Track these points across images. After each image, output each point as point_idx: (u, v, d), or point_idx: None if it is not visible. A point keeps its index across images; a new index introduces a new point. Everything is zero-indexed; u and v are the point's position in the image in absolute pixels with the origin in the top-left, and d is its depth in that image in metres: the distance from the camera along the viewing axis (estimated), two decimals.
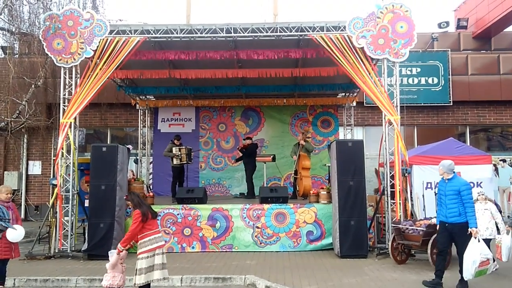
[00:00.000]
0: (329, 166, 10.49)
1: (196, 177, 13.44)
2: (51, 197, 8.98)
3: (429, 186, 9.37)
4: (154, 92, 13.08)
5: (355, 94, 12.61)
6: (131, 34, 8.74)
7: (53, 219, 8.60)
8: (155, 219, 5.55)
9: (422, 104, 14.16)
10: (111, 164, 8.45)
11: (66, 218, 8.58)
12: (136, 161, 13.15)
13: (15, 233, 5.66)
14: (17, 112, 11.97)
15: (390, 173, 8.50)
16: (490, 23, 13.87)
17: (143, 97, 13.45)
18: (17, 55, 12.94)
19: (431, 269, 6.43)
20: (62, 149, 8.62)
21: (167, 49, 9.47)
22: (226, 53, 9.29)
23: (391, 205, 8.48)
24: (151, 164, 13.81)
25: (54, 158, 11.44)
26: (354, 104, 13.06)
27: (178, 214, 9.02)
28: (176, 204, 9.32)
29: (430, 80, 14.19)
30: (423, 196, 9.32)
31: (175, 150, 10.86)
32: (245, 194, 11.66)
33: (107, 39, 8.68)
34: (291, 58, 9.63)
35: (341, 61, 8.57)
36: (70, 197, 8.63)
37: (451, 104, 14.16)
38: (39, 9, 11.42)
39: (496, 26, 13.94)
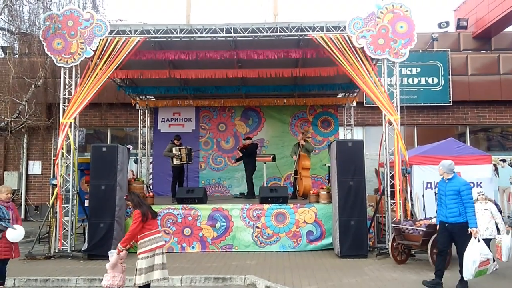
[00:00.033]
0: (329, 166, 10.49)
1: (196, 177, 13.44)
2: (51, 197, 8.98)
3: (429, 186, 9.37)
4: (154, 92, 13.08)
5: (355, 94, 12.61)
6: (131, 34, 8.74)
7: (53, 219, 8.60)
8: (155, 219, 5.56)
9: (422, 104, 14.16)
10: (111, 164, 8.45)
11: (66, 218, 8.58)
12: (136, 161, 13.15)
13: (15, 233, 5.66)
14: (17, 112, 11.97)
15: (390, 173, 8.50)
16: (490, 23, 13.87)
17: (143, 97, 13.46)
18: (17, 55, 12.94)
19: (431, 269, 6.43)
20: (62, 149, 8.62)
21: (167, 49, 9.47)
22: (226, 53, 9.29)
23: (391, 205, 8.48)
24: (151, 164, 13.81)
25: (54, 158, 11.45)
26: (354, 104, 13.06)
27: (178, 214, 9.02)
28: (176, 204, 9.32)
29: (430, 80, 14.20)
30: (423, 196, 9.32)
31: (175, 150, 10.86)
32: (245, 194, 11.66)
33: (107, 39, 8.68)
34: (291, 58, 9.63)
35: (341, 61, 8.57)
36: (70, 197, 8.63)
37: (451, 104, 14.17)
38: (39, 9, 11.42)
39: (496, 26, 13.94)
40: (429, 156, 9.52)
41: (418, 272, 7.02)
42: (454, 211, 5.92)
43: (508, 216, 6.63)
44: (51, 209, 8.66)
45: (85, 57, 8.73)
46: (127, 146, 9.48)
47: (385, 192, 8.57)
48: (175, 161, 10.88)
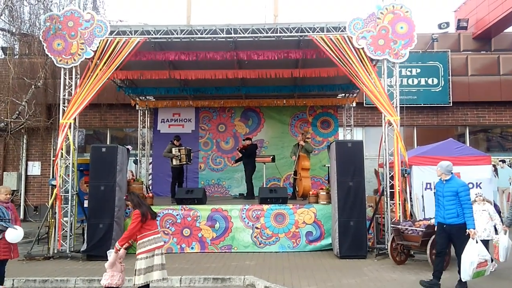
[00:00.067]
0: (328, 167, 10.49)
1: (196, 178, 13.44)
2: (50, 198, 8.98)
3: (428, 186, 9.35)
4: (154, 93, 13.08)
5: (354, 95, 12.61)
6: (131, 34, 8.75)
7: (52, 220, 8.60)
8: (155, 220, 5.56)
9: (422, 105, 14.16)
10: (111, 164, 8.45)
11: (65, 219, 8.58)
12: (135, 162, 13.15)
13: (14, 234, 5.65)
14: (17, 112, 11.97)
15: (390, 173, 8.50)
16: (490, 23, 13.87)
17: (143, 97, 13.46)
18: (17, 56, 12.95)
19: (430, 269, 6.42)
20: (62, 149, 8.62)
21: (167, 50, 9.47)
22: (226, 53, 9.29)
23: (390, 205, 8.47)
24: (151, 165, 13.81)
25: (54, 158, 11.44)
26: (354, 104, 13.05)
27: (177, 215, 9.02)
28: (175, 205, 9.32)
29: (430, 81, 14.20)
30: (422, 196, 9.31)
31: (174, 150, 10.86)
32: (245, 195, 11.66)
33: (107, 39, 8.69)
34: (291, 59, 9.64)
35: (341, 62, 8.57)
36: (70, 197, 8.63)
37: (451, 104, 14.17)
38: (40, 10, 11.44)
39: (496, 26, 13.94)
40: (429, 156, 9.50)
41: (417, 272, 7.01)
42: (452, 212, 5.92)
43: (507, 217, 6.60)
44: (50, 210, 8.66)
45: (85, 58, 8.73)
46: (126, 146, 9.48)
47: (385, 193, 8.57)
48: (174, 162, 10.89)
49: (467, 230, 5.76)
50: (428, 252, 6.88)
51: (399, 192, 8.26)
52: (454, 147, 9.69)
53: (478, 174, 9.26)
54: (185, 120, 13.87)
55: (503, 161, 12.78)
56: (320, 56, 9.08)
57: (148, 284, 5.32)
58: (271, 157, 11.86)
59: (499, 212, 7.47)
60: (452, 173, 6.10)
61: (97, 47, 8.67)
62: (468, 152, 9.85)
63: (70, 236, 8.55)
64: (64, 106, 8.81)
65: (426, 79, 14.20)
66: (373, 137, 12.84)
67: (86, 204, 8.89)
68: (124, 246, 5.29)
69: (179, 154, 10.84)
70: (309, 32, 8.64)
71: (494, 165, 11.40)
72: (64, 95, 8.88)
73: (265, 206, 9.07)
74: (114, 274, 5.24)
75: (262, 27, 8.75)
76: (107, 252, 5.36)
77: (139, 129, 13.76)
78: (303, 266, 7.63)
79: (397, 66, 8.89)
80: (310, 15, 33.16)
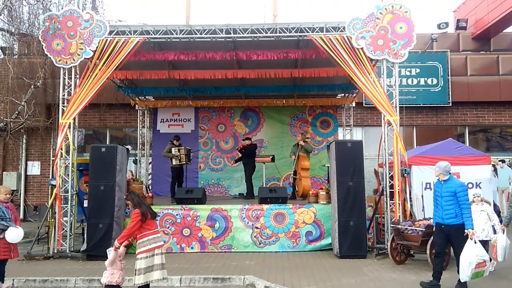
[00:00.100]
0: (328, 167, 10.48)
1: (195, 178, 13.43)
2: (50, 198, 8.98)
3: (428, 186, 9.35)
4: (153, 93, 13.07)
5: (354, 95, 12.61)
6: (131, 34, 8.75)
7: (52, 220, 8.60)
8: (154, 220, 5.56)
9: (421, 105, 14.18)
10: (110, 164, 8.45)
11: (65, 219, 8.58)
12: (135, 162, 13.12)
13: (15, 234, 5.67)
14: (16, 112, 11.96)
15: (389, 173, 8.51)
16: (490, 24, 13.89)
17: (143, 97, 13.45)
18: (16, 56, 12.95)
19: (430, 269, 6.42)
20: (61, 149, 8.62)
21: (167, 50, 9.47)
22: (226, 53, 9.30)
23: (390, 205, 8.48)
24: (150, 165, 13.80)
25: (53, 158, 11.45)
26: (354, 104, 13.05)
27: (177, 215, 9.02)
28: (175, 205, 9.32)
29: (429, 81, 14.21)
30: (422, 196, 9.31)
31: (174, 150, 10.86)
32: (244, 195, 11.66)
33: (107, 39, 8.68)
34: (290, 59, 9.64)
35: (340, 62, 8.57)
36: (69, 197, 8.63)
37: (450, 104, 14.19)
38: (39, 10, 11.42)
39: (495, 27, 13.96)
40: (428, 156, 9.51)
41: (417, 272, 7.02)
42: (451, 213, 5.91)
43: (506, 216, 6.60)
44: (50, 210, 8.65)
45: (85, 58, 8.73)
46: (126, 146, 9.47)
47: (384, 193, 8.57)
48: (174, 162, 10.89)
49: (466, 231, 5.75)
50: (428, 251, 6.88)
51: (398, 192, 8.26)
52: (453, 147, 9.70)
53: (478, 174, 9.27)
54: (185, 120, 13.87)
55: (503, 161, 12.80)
56: (319, 56, 9.09)
57: (148, 284, 5.32)
58: (271, 157, 11.86)
59: (498, 212, 7.48)
60: (450, 173, 6.10)
61: (97, 47, 8.67)
62: (468, 152, 9.86)
63: (70, 236, 8.55)
64: (64, 106, 8.80)
65: (426, 79, 14.22)
66: (373, 137, 12.85)
67: (85, 204, 8.89)
68: (123, 244, 5.29)
69: (178, 154, 10.84)
70: (308, 32, 8.65)
71: (493, 165, 11.41)
72: (64, 95, 8.87)
73: (265, 206, 9.07)
74: (114, 272, 5.24)
75: (261, 27, 8.75)
76: (107, 250, 5.37)
77: (138, 129, 13.76)
78: (303, 266, 7.63)
79: (397, 66, 8.89)
80: (309, 15, 33.19)
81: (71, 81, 8.84)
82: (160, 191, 12.85)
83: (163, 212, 8.97)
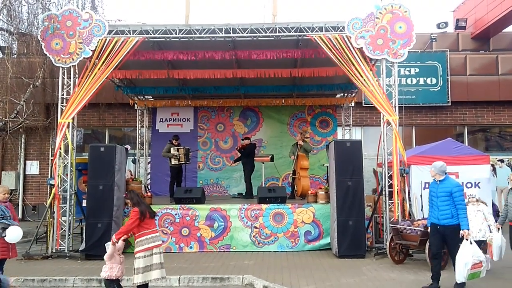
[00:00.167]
0: (327, 166, 10.47)
1: (194, 177, 13.42)
2: (49, 197, 8.97)
3: (427, 186, 9.31)
4: (152, 92, 13.07)
5: (353, 95, 12.61)
6: (130, 34, 8.74)
7: (51, 219, 8.59)
8: (153, 219, 5.57)
9: (421, 104, 14.18)
10: (109, 164, 8.45)
11: (63, 218, 8.57)
12: (134, 161, 13.12)
13: (15, 234, 5.66)
14: (15, 112, 11.96)
15: (388, 173, 8.52)
16: (489, 23, 13.90)
17: (142, 97, 13.44)
18: (15, 55, 12.93)
19: (429, 269, 6.41)
20: (60, 149, 8.61)
21: (166, 49, 9.46)
22: (225, 53, 9.29)
23: (389, 205, 8.48)
24: (149, 164, 13.78)
25: (52, 158, 11.42)
26: (353, 104, 13.06)
27: (176, 214, 9.01)
28: (174, 204, 9.31)
29: (428, 81, 14.21)
30: (421, 196, 9.30)
31: (173, 150, 10.86)
32: (243, 194, 11.65)
33: (106, 39, 8.67)
34: (289, 58, 9.64)
35: (340, 61, 8.57)
36: (68, 197, 8.62)
37: (450, 104, 14.20)
38: (38, 9, 11.41)
39: (494, 26, 13.97)
40: (427, 156, 9.50)
41: (416, 272, 7.02)
42: (446, 213, 5.88)
43: (501, 215, 6.58)
44: (49, 209, 8.65)
45: (84, 57, 8.72)
46: (125, 146, 9.47)
47: (383, 192, 8.57)
48: (173, 161, 10.88)
49: (461, 231, 5.73)
50: (426, 251, 6.87)
51: (397, 191, 8.26)
52: (452, 147, 9.69)
53: (477, 173, 9.26)
54: (184, 120, 13.85)
55: (502, 161, 12.79)
56: (318, 56, 9.08)
57: (147, 284, 5.32)
58: (270, 157, 11.85)
59: (497, 212, 7.48)
60: (446, 173, 6.07)
61: (96, 47, 8.66)
62: (467, 151, 9.86)
63: (69, 235, 8.55)
64: (63, 106, 8.80)
65: (425, 78, 14.22)
66: (372, 136, 12.84)
67: (84, 203, 8.87)
68: (122, 239, 5.29)
69: (177, 153, 10.84)
70: (308, 31, 8.64)
71: (492, 165, 11.42)
72: (63, 95, 8.87)
73: (264, 206, 9.06)
74: (113, 266, 5.25)
75: (261, 26, 8.74)
76: (105, 244, 5.37)
77: (137, 128, 13.73)
78: (302, 265, 7.63)
79: (396, 66, 8.88)
80: (309, 14, 33.18)
81: (70, 81, 8.83)
82: (159, 190, 12.85)
83: (162, 212, 8.97)
